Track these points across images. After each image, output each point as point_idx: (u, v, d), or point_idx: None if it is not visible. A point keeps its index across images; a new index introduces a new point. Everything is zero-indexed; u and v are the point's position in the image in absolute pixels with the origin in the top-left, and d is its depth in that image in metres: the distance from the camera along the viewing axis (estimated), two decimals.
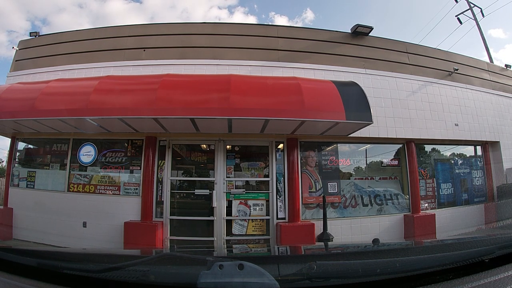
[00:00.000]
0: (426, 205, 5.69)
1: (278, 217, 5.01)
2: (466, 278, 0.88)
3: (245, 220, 5.03)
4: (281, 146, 5.28)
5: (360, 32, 5.90)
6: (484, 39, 11.67)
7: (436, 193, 5.88)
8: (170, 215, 4.95)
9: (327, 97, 4.32)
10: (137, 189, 5.02)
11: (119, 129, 4.79)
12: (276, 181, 5.12)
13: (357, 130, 4.76)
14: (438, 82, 6.19)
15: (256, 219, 5.05)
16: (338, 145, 5.53)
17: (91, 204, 5.01)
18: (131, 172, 5.13)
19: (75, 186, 5.19)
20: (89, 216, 4.93)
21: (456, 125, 6.03)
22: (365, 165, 5.64)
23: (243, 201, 5.07)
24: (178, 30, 5.81)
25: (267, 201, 5.10)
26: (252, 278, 0.77)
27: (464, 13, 12.80)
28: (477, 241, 1.30)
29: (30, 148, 5.83)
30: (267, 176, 5.18)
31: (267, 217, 5.04)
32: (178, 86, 4.38)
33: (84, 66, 5.50)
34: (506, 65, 7.60)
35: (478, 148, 6.61)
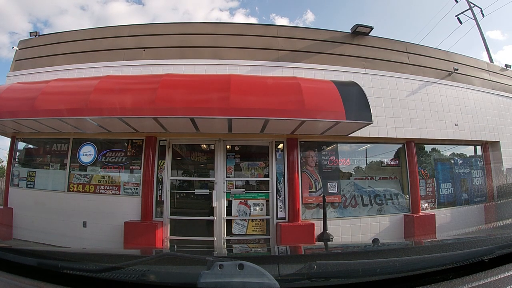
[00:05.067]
0: (426, 205, 5.69)
1: (278, 217, 5.01)
2: (466, 278, 0.88)
3: (245, 220, 5.03)
4: (281, 146, 5.28)
5: (360, 32, 5.90)
6: (484, 39, 11.67)
7: (436, 193, 5.87)
8: (170, 215, 4.95)
9: (327, 97, 4.32)
10: (137, 189, 5.02)
11: (119, 129, 4.78)
12: (276, 181, 5.12)
13: (357, 130, 4.76)
14: (438, 82, 6.19)
15: (256, 219, 5.05)
16: (338, 145, 5.52)
17: (91, 204, 5.01)
18: (131, 172, 5.12)
19: (75, 186, 5.19)
20: (89, 216, 4.93)
21: (456, 125, 6.03)
22: (365, 165, 5.64)
23: (243, 201, 5.07)
24: (178, 30, 5.81)
25: (267, 201, 5.10)
26: (252, 278, 0.77)
27: (464, 13, 12.81)
28: (477, 241, 1.30)
29: (30, 148, 5.83)
30: (267, 176, 5.18)
31: (267, 217, 5.04)
32: (178, 86, 4.38)
33: (83, 66, 5.50)
34: (506, 65, 7.59)
35: (478, 148, 6.60)
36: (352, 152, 5.59)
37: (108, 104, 4.05)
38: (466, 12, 12.67)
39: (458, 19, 13.10)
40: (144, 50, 5.58)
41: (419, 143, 5.91)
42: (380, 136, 5.38)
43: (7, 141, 6.23)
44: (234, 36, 5.72)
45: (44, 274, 0.92)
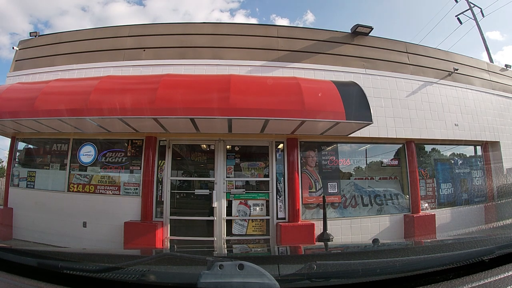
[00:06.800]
0: (426, 205, 5.69)
1: (278, 217, 5.00)
2: (466, 278, 0.88)
3: (245, 220, 5.03)
4: (281, 146, 5.28)
5: (360, 32, 5.90)
6: (484, 39, 11.68)
7: (436, 193, 5.87)
8: (170, 215, 4.95)
9: (327, 97, 4.32)
10: (137, 189, 5.02)
11: (119, 129, 4.78)
12: (276, 181, 5.12)
13: (357, 130, 4.76)
14: (438, 82, 6.19)
15: (256, 219, 5.04)
16: (338, 145, 5.52)
17: (91, 204, 5.01)
18: (131, 172, 5.12)
19: (75, 186, 5.19)
20: (89, 216, 4.93)
21: (456, 125, 6.03)
22: (365, 165, 5.64)
23: (243, 201, 5.07)
24: (178, 30, 5.81)
25: (267, 201, 5.10)
26: (252, 278, 0.77)
27: (464, 13, 12.82)
28: (477, 241, 1.30)
29: (30, 148, 5.83)
30: (267, 176, 5.18)
31: (267, 217, 5.04)
32: (178, 86, 4.38)
33: (84, 66, 5.50)
34: (506, 65, 7.59)
35: (478, 148, 6.60)
36: (352, 152, 5.59)
37: (108, 104, 4.05)
38: (466, 12, 12.69)
39: (458, 19, 13.12)
40: (144, 50, 5.58)
41: (419, 143, 5.90)
42: (380, 136, 5.38)
43: (7, 141, 6.24)
44: (234, 37, 5.72)
45: (44, 274, 0.92)
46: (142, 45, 5.63)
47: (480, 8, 12.63)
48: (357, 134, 4.93)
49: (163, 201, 4.99)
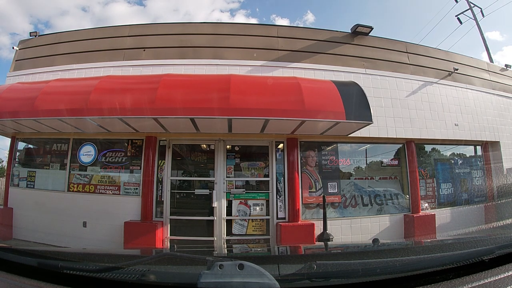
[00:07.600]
0: (426, 205, 5.69)
1: (278, 217, 5.01)
2: (466, 278, 0.88)
3: (245, 220, 5.03)
4: (281, 146, 5.28)
5: (360, 32, 5.90)
6: (484, 39, 11.68)
7: (436, 193, 5.87)
8: (170, 215, 4.95)
9: (327, 97, 4.32)
10: (137, 189, 5.02)
11: (119, 129, 4.78)
12: (276, 181, 5.12)
13: (357, 130, 4.76)
14: (438, 82, 6.19)
15: (256, 219, 5.04)
16: (338, 145, 5.52)
17: (91, 204, 5.01)
18: (131, 172, 5.12)
19: (75, 186, 5.19)
20: (89, 216, 4.93)
21: (456, 125, 6.03)
22: (365, 165, 5.64)
23: (243, 201, 5.07)
24: (178, 30, 5.81)
25: (267, 201, 5.10)
26: (252, 278, 0.77)
27: (464, 13, 12.81)
28: (477, 241, 1.30)
29: (30, 148, 5.83)
30: (267, 176, 5.18)
31: (267, 217, 5.04)
32: (178, 86, 4.38)
33: (83, 66, 5.50)
34: (506, 65, 7.59)
35: (478, 148, 6.60)
36: (352, 152, 5.59)
37: (108, 104, 4.05)
38: (466, 12, 12.69)
39: (458, 19, 13.12)
40: (144, 50, 5.58)
41: (419, 143, 5.91)
42: (380, 136, 5.38)
43: (7, 141, 6.24)
44: (234, 36, 5.72)
45: (44, 274, 0.92)
46: (142, 45, 5.63)
47: (480, 8, 12.64)
48: (357, 134, 4.93)
49: (163, 201, 4.99)
